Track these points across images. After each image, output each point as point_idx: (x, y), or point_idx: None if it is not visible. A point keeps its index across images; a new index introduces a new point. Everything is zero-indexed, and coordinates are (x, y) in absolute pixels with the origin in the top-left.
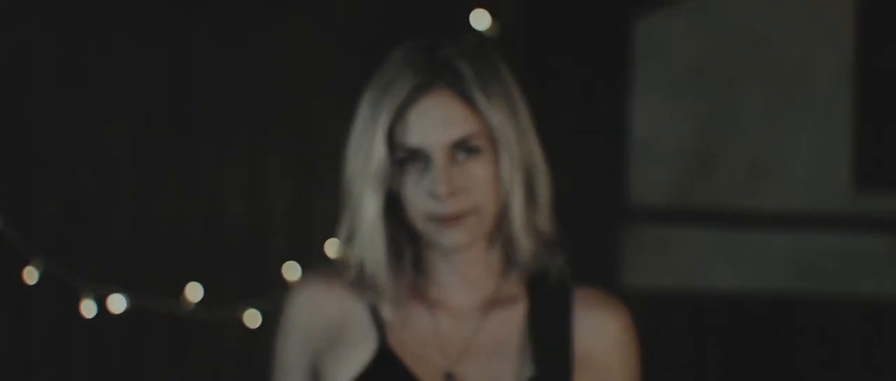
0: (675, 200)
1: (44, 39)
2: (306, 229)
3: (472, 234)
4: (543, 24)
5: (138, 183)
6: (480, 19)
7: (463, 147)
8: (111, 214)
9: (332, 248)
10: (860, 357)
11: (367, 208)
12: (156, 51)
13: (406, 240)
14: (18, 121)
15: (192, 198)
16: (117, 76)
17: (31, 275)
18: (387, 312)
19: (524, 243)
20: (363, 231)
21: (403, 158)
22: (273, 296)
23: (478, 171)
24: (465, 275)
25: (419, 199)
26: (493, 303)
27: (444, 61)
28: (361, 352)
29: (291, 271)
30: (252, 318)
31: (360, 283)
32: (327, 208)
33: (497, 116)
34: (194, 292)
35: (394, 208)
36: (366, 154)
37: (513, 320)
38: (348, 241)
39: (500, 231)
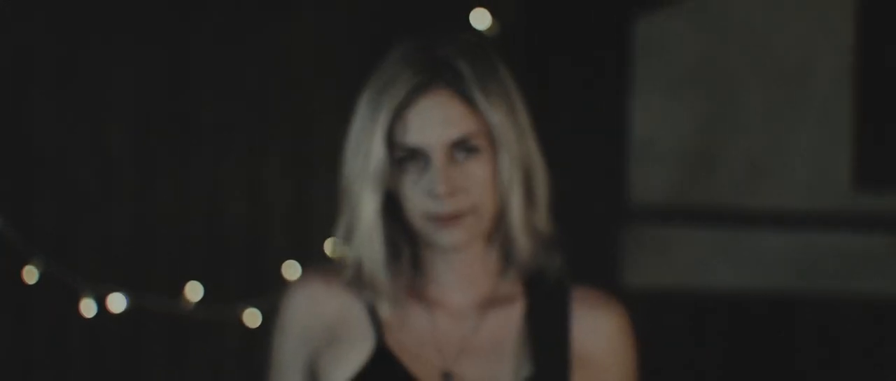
0: (675, 199)
1: (44, 39)
2: (306, 229)
3: (470, 233)
4: (543, 23)
5: (138, 183)
6: (480, 19)
7: (462, 147)
8: (111, 213)
9: (331, 247)
10: (860, 357)
11: (366, 207)
12: (156, 51)
13: (403, 239)
14: (18, 120)
15: (192, 197)
16: (117, 75)
17: (30, 274)
18: (385, 311)
19: (522, 243)
20: (361, 231)
21: (402, 157)
22: (273, 296)
23: (477, 170)
24: (463, 274)
25: (418, 198)
26: (490, 302)
27: (443, 61)
28: (359, 351)
29: (291, 270)
30: (252, 317)
31: (358, 282)
32: (327, 208)
33: (496, 116)
34: (194, 291)
35: (391, 207)
36: (365, 154)
37: (511, 319)
38: (346, 240)
39: (498, 231)
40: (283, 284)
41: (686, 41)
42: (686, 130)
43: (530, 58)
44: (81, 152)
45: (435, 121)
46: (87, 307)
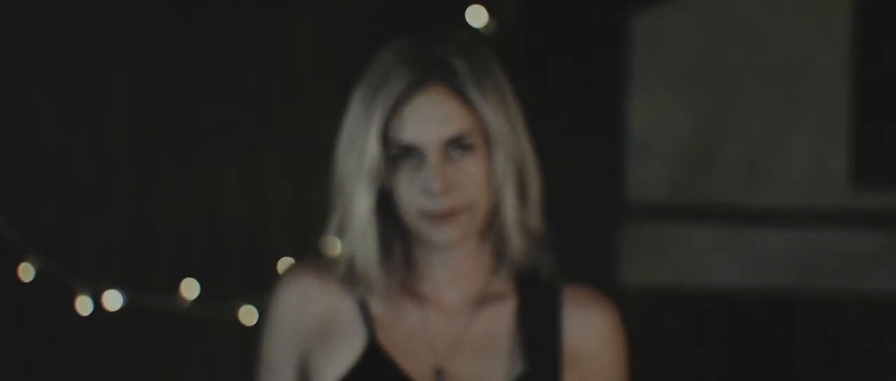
0: (673, 198)
1: (44, 39)
2: (305, 228)
3: (464, 231)
4: (542, 22)
5: (137, 182)
6: (477, 16)
7: (457, 144)
8: (110, 212)
9: (328, 245)
10: (859, 355)
11: (360, 204)
12: (155, 50)
13: (396, 236)
14: (17, 119)
15: (191, 197)
16: (116, 74)
17: (27, 272)
18: (377, 308)
19: (515, 241)
20: (355, 227)
21: (396, 155)
22: (271, 294)
23: (471, 168)
24: (456, 271)
25: (412, 196)
26: (482, 300)
27: (438, 58)
28: (350, 348)
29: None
30: (248, 314)
31: (351, 278)
32: (326, 207)
33: (491, 113)
34: (190, 288)
35: (384, 203)
36: (359, 151)
37: (502, 316)
38: (339, 236)
39: (491, 228)
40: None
41: (685, 40)
42: (685, 129)
43: (529, 57)
44: (80, 151)
45: (430, 118)
46: (83, 305)
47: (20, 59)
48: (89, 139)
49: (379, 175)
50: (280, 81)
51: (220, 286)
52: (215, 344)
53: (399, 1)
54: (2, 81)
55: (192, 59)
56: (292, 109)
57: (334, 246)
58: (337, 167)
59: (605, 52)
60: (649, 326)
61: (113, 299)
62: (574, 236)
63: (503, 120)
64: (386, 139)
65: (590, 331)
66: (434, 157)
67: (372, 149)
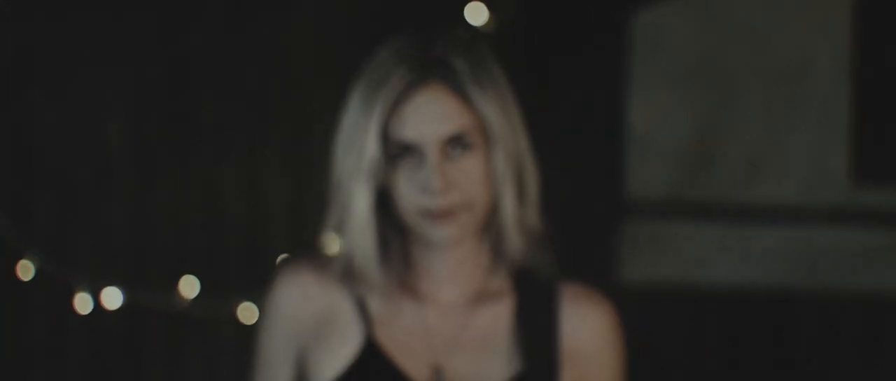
0: (673, 196)
1: (42, 36)
2: (304, 227)
3: (463, 229)
4: (542, 20)
5: (137, 181)
6: (477, 15)
7: (457, 143)
8: (110, 211)
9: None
10: (859, 352)
11: (359, 202)
12: (155, 49)
13: (393, 234)
14: (17, 118)
15: (191, 195)
16: (116, 73)
17: (26, 270)
18: (375, 305)
19: (514, 239)
20: (353, 225)
21: (396, 153)
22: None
23: (470, 166)
24: (454, 269)
25: (412, 194)
26: (480, 298)
27: (437, 57)
28: (347, 345)
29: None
30: (248, 313)
31: (349, 275)
32: (325, 206)
33: (491, 112)
34: (189, 286)
35: (382, 201)
36: (358, 149)
37: (500, 315)
38: (336, 234)
39: (489, 227)
40: None
41: (685, 38)
42: (685, 128)
43: (529, 55)
44: (80, 150)
45: (430, 117)
46: (82, 303)
47: (20, 58)
48: (89, 138)
49: (378, 173)
50: (279, 81)
51: (219, 285)
52: (215, 343)
53: (399, 1)
54: (1, 79)
55: (191, 59)
56: (292, 108)
57: (333, 244)
58: (335, 165)
59: (605, 51)
60: (649, 324)
61: (112, 298)
62: (574, 234)
63: (502, 119)
64: (385, 138)
65: (588, 330)
66: (434, 155)
67: (371, 147)
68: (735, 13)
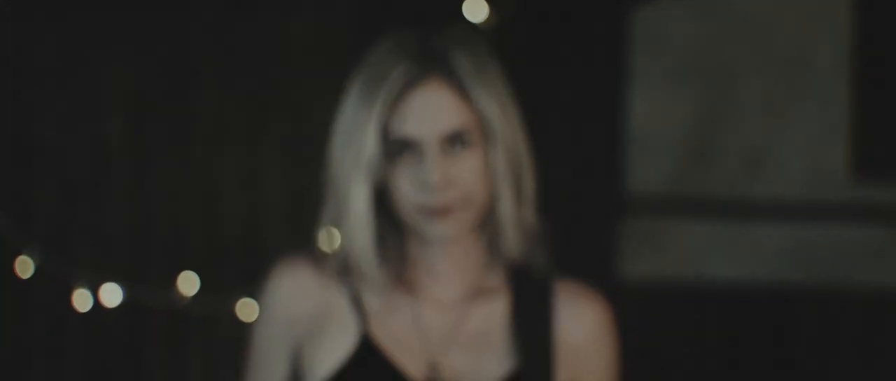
0: (672, 191)
1: (42, 33)
2: (303, 223)
3: (461, 226)
4: (541, 15)
5: (135, 177)
6: (476, 11)
7: (456, 139)
8: (108, 207)
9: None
10: (858, 348)
11: (357, 198)
12: (153, 45)
13: (390, 230)
14: (15, 112)
15: (190, 191)
16: (114, 67)
17: (25, 267)
18: (372, 301)
19: (511, 235)
20: (351, 221)
21: (395, 149)
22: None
23: (469, 162)
24: (450, 266)
25: (410, 190)
26: (476, 294)
27: (437, 53)
28: (343, 342)
29: None
30: (246, 309)
31: (345, 271)
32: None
33: (490, 108)
34: (188, 283)
35: (379, 197)
36: (358, 145)
37: (496, 311)
38: (333, 228)
39: (486, 223)
40: None
41: (684, 33)
42: (684, 122)
43: (528, 50)
44: (79, 146)
45: (430, 113)
46: (82, 299)
47: (18, 52)
48: (87, 134)
49: (377, 170)
50: (278, 74)
51: (218, 281)
52: (214, 339)
53: None
54: (1, 78)
55: (190, 54)
56: (290, 105)
57: (330, 239)
58: (333, 160)
59: (604, 45)
60: (649, 320)
61: (111, 295)
62: (574, 230)
63: (501, 116)
64: (384, 134)
65: (583, 326)
66: (433, 152)
67: (371, 143)
68: (735, 8)
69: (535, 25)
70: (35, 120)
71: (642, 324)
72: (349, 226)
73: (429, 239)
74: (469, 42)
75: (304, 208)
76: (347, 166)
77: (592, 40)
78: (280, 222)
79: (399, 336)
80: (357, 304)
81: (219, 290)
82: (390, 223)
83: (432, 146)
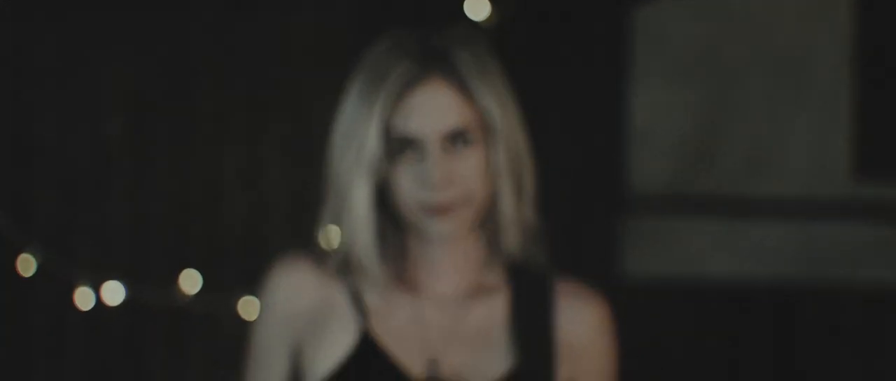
0: (674, 189)
1: (42, 30)
2: (305, 221)
3: (462, 224)
4: (542, 13)
5: (137, 175)
6: (477, 9)
7: (458, 138)
8: (110, 206)
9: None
10: (860, 347)
11: (359, 196)
12: (154, 41)
13: (390, 228)
14: (16, 111)
15: (191, 190)
16: (115, 64)
17: (28, 265)
18: (372, 298)
19: (511, 234)
20: (352, 219)
21: (396, 148)
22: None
23: (470, 161)
24: (450, 263)
25: (412, 188)
26: (475, 291)
27: (439, 51)
28: (343, 339)
29: None
30: (248, 307)
31: (345, 269)
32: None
33: (492, 107)
34: (190, 281)
35: (379, 195)
36: (359, 144)
37: (495, 309)
38: (333, 226)
39: (486, 221)
40: None
41: (685, 31)
42: (685, 121)
43: (529, 48)
44: (80, 144)
45: (431, 111)
46: (84, 298)
47: (19, 50)
48: (88, 132)
49: (379, 167)
50: (279, 72)
51: (220, 280)
52: (216, 338)
53: None
54: (1, 77)
55: (190, 52)
56: (292, 103)
57: (331, 237)
58: (333, 159)
59: (606, 44)
60: (651, 319)
61: (113, 293)
62: (575, 228)
63: (502, 114)
64: (386, 132)
65: (582, 325)
66: (435, 150)
67: (372, 142)
68: (735, 6)
69: (537, 24)
70: (36, 119)
71: (644, 322)
72: (350, 224)
73: (429, 237)
74: (470, 41)
75: (305, 206)
76: (348, 165)
77: (593, 39)
78: (281, 220)
79: (399, 334)
80: (357, 302)
81: (220, 288)
82: (390, 221)
83: (434, 144)
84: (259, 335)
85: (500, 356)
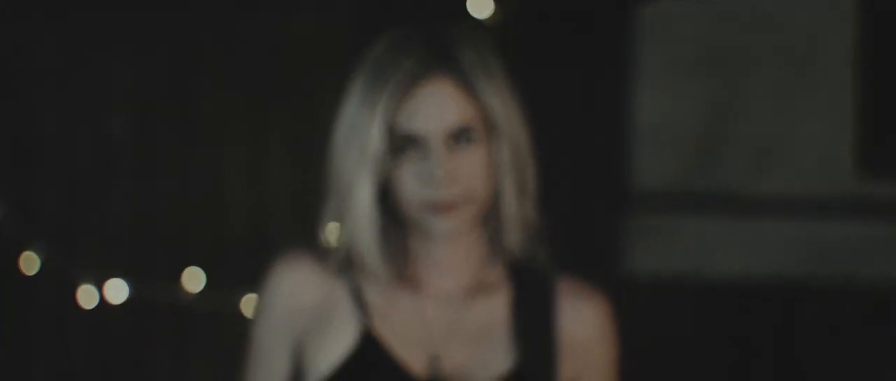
0: (680, 186)
1: (45, 27)
2: (309, 219)
3: (465, 221)
4: (545, 10)
5: (140, 173)
6: (481, 7)
7: (461, 136)
8: (113, 203)
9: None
10: (865, 344)
11: (361, 194)
12: (156, 37)
13: (392, 225)
14: (18, 110)
15: (195, 188)
16: (118, 63)
17: (31, 264)
18: (374, 296)
19: (513, 232)
20: (355, 216)
21: (400, 145)
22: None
23: (473, 159)
24: (452, 261)
25: (415, 186)
26: (477, 289)
27: (442, 49)
28: (345, 336)
29: None
30: (252, 304)
31: (347, 266)
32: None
33: (495, 105)
34: (193, 279)
35: (381, 193)
36: (362, 141)
37: (497, 306)
38: (336, 223)
39: (488, 218)
40: None
41: (691, 28)
42: (691, 117)
43: (533, 45)
44: (83, 142)
45: (435, 109)
46: (87, 295)
47: (22, 50)
48: (92, 130)
49: (382, 165)
50: (282, 69)
51: (224, 278)
52: (219, 335)
53: None
54: (3, 71)
55: (193, 49)
56: (295, 100)
57: (332, 235)
58: (336, 156)
59: (610, 41)
60: (656, 316)
61: (117, 291)
62: (580, 226)
63: (505, 112)
64: (389, 129)
65: (584, 323)
66: (438, 148)
67: (376, 140)
68: (742, 3)
69: (540, 22)
70: (38, 118)
71: (648, 320)
72: (353, 221)
73: (432, 234)
74: (474, 38)
75: (308, 204)
76: (351, 162)
77: (597, 36)
78: (284, 218)
79: (401, 331)
80: (359, 299)
81: (223, 286)
82: (392, 219)
83: (437, 142)
84: (260, 331)
85: (501, 354)
